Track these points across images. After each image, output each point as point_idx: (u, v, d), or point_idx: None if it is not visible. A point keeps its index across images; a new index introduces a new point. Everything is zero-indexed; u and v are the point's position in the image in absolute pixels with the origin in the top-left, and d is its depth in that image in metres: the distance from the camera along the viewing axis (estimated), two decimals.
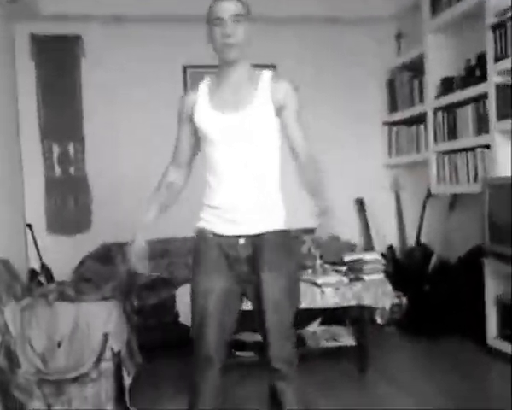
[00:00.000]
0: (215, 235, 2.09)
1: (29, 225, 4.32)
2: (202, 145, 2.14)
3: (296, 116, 2.10)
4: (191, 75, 4.61)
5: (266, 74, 2.10)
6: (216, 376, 2.09)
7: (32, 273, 4.14)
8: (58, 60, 4.51)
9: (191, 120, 2.12)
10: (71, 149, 4.56)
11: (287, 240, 2.12)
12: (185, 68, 4.62)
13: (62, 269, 4.21)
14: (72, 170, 4.57)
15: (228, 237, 2.07)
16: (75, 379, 2.73)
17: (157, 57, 4.55)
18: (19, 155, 4.43)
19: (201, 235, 2.13)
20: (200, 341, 2.07)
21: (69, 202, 4.55)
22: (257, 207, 2.07)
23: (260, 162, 2.07)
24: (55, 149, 4.53)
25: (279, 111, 2.07)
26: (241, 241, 2.06)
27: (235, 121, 2.04)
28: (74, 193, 4.56)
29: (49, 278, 4.12)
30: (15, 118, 4.40)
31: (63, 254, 4.31)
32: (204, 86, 2.14)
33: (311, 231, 4.25)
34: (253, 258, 2.07)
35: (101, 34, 4.49)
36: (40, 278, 4.09)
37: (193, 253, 2.16)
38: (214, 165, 2.09)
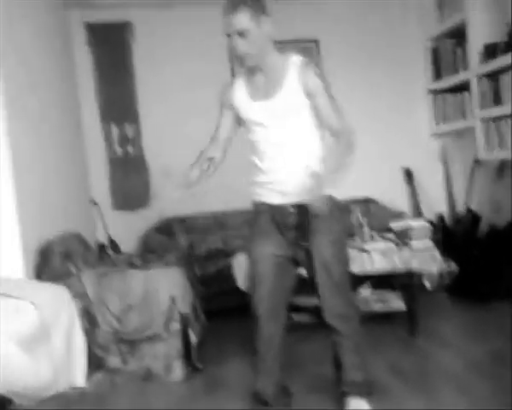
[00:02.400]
0: (267, 205, 2.31)
1: (95, 202, 4.65)
2: (245, 129, 2.36)
3: (326, 100, 2.22)
4: None
5: (293, 61, 2.22)
6: (275, 336, 2.31)
7: (101, 247, 4.47)
8: (111, 46, 4.74)
9: (232, 108, 2.35)
10: (128, 129, 4.82)
11: (332, 206, 2.25)
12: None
13: (127, 242, 4.53)
14: (131, 149, 4.84)
15: (278, 206, 2.28)
16: (148, 338, 3.02)
17: (204, 38, 4.72)
18: (82, 136, 4.72)
19: (255, 207, 2.37)
20: (256, 302, 2.28)
21: (130, 179, 4.82)
22: (299, 180, 2.21)
23: (295, 140, 2.25)
24: (115, 131, 4.80)
25: (309, 95, 2.22)
26: (291, 209, 2.27)
27: (267, 108, 2.24)
28: (134, 171, 4.82)
29: (117, 250, 4.43)
30: (77, 103, 4.68)
31: (127, 228, 4.61)
32: (239, 79, 2.35)
33: (359, 201, 4.44)
34: (302, 224, 2.27)
35: (151, 19, 4.70)
36: (108, 250, 4.41)
37: (250, 223, 2.40)
38: (255, 146, 2.31)
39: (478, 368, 2.87)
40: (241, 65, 2.24)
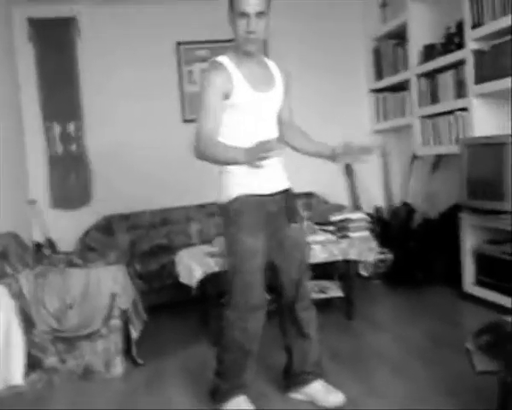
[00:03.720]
0: (255, 196, 2.31)
1: (34, 201, 4.53)
2: (234, 119, 2.29)
3: (289, 98, 2.49)
4: (184, 51, 4.77)
5: (271, 62, 2.43)
6: (263, 319, 2.36)
7: (38, 246, 4.35)
8: (55, 41, 4.61)
9: (227, 93, 2.24)
10: (71, 127, 4.72)
11: (294, 197, 2.51)
12: (179, 44, 4.77)
13: (66, 241, 4.44)
14: (73, 147, 4.73)
15: (265, 195, 2.33)
16: (87, 336, 2.97)
17: (150, 35, 4.70)
18: (22, 134, 4.59)
19: (241, 199, 2.30)
20: (254, 292, 2.30)
21: (71, 178, 4.73)
22: (281, 168, 2.41)
23: (276, 131, 2.40)
24: (56, 128, 4.68)
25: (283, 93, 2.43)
26: (276, 197, 2.36)
27: (267, 98, 2.32)
28: (75, 169, 4.72)
29: (54, 250, 4.32)
30: (17, 99, 4.55)
31: (66, 227, 4.52)
32: (230, 64, 2.26)
33: (301, 195, 4.52)
34: (289, 206, 2.40)
35: (96, 15, 4.61)
36: (45, 250, 4.30)
37: (233, 216, 2.30)
38: (246, 134, 2.28)
39: (412, 350, 2.99)
40: (242, 49, 2.24)
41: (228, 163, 2.24)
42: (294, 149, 2.54)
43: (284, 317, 2.49)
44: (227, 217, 2.33)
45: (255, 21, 2.17)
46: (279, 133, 2.43)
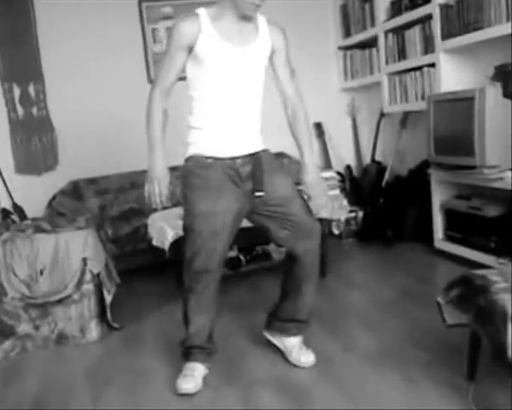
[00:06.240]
0: (215, 159, 2.22)
1: None
2: (198, 72, 2.19)
3: (286, 59, 2.34)
4: (147, 9, 4.63)
5: (262, 18, 2.27)
6: (217, 283, 2.32)
7: (5, 213, 4.25)
8: (12, 3, 4.39)
9: (191, 47, 2.14)
10: (31, 89, 4.58)
11: (274, 156, 2.41)
12: (140, 2, 4.62)
13: (34, 207, 4.33)
14: (34, 110, 4.59)
15: (228, 158, 2.23)
16: (59, 301, 2.94)
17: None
18: None
19: (200, 162, 2.22)
20: (207, 257, 2.22)
21: (35, 141, 4.60)
22: (251, 131, 2.30)
23: (254, 93, 2.27)
24: (16, 91, 4.53)
25: (272, 52, 2.29)
26: (239, 161, 2.24)
27: (243, 53, 2.18)
28: (39, 133, 4.58)
29: (22, 216, 4.23)
30: None
31: (33, 193, 4.40)
32: (205, 16, 2.15)
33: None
34: (255, 172, 2.26)
35: None
36: (13, 216, 4.21)
37: (186, 176, 2.24)
38: (214, 92, 2.18)
39: (384, 305, 3.05)
40: (242, 12, 2.13)
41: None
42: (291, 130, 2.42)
43: (288, 268, 2.43)
44: (182, 176, 2.28)
45: None
46: (284, 102, 2.35)
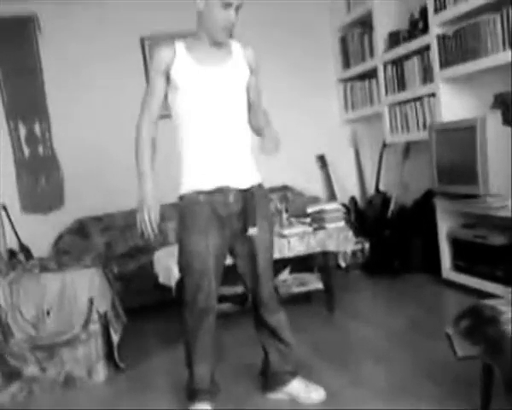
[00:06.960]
0: (206, 193, 2.20)
1: (4, 206, 4.40)
2: (176, 98, 2.20)
3: (257, 80, 2.36)
4: (149, 46, 4.70)
5: (235, 42, 2.30)
6: (214, 324, 2.32)
7: (11, 253, 4.25)
8: (16, 40, 4.50)
9: (167, 72, 2.18)
10: (37, 128, 4.63)
11: (267, 193, 2.40)
12: (143, 40, 4.70)
13: (40, 247, 4.33)
14: (40, 149, 4.64)
15: (218, 194, 2.20)
16: (66, 342, 2.92)
17: (114, 31, 4.61)
18: None
19: (189, 198, 2.22)
20: (200, 294, 2.23)
21: (41, 181, 4.63)
22: (241, 159, 2.25)
23: (237, 116, 2.24)
24: (22, 130, 4.58)
25: (251, 72, 2.31)
26: (231, 197, 2.22)
27: (218, 74, 2.19)
28: (45, 172, 4.63)
29: (28, 256, 4.23)
30: None
31: (39, 232, 4.41)
32: (181, 44, 2.21)
33: (276, 189, 4.52)
34: (245, 211, 2.23)
35: (57, 12, 4.50)
36: (19, 256, 4.20)
37: (183, 216, 2.24)
38: (194, 116, 2.17)
39: (393, 338, 3.01)
40: (214, 37, 2.18)
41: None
42: (254, 132, 2.39)
43: (256, 319, 2.45)
44: (178, 215, 2.28)
45: (234, 15, 2.16)
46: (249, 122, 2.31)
